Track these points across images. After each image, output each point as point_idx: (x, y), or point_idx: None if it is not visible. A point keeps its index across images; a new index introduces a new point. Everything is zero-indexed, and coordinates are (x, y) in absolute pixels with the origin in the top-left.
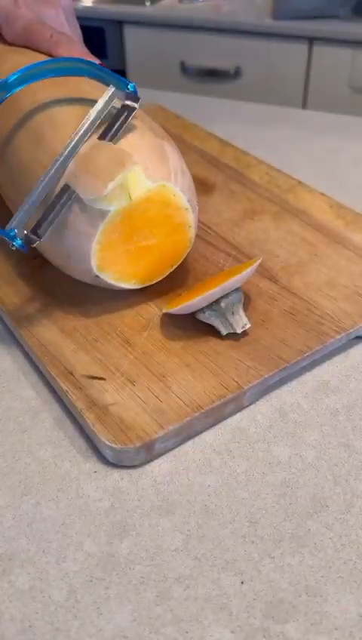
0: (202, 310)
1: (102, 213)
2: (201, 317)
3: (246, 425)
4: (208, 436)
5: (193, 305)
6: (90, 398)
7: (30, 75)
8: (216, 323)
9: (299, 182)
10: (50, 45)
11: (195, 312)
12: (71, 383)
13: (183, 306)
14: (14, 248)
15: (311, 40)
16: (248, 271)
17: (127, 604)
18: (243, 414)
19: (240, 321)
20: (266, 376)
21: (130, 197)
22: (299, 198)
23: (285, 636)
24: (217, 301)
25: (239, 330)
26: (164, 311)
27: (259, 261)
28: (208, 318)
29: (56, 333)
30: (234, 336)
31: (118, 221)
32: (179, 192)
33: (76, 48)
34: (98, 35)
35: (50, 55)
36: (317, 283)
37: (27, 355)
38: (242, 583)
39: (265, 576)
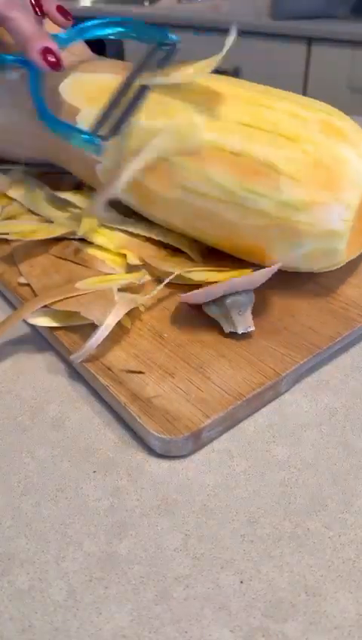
0: (208, 304)
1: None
2: (207, 310)
3: (245, 424)
4: None
5: (196, 296)
6: (131, 391)
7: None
8: (220, 319)
9: None
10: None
11: (204, 305)
12: (111, 379)
13: (186, 295)
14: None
15: (310, 40)
16: (261, 273)
17: (127, 603)
18: None
19: (244, 323)
20: (301, 362)
21: None
22: None
23: (284, 635)
24: (223, 298)
25: (240, 331)
26: (181, 300)
27: (276, 267)
28: (213, 312)
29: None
30: (234, 335)
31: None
32: None
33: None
34: None
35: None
36: (337, 271)
37: (27, 355)
38: (241, 582)
39: (264, 576)
